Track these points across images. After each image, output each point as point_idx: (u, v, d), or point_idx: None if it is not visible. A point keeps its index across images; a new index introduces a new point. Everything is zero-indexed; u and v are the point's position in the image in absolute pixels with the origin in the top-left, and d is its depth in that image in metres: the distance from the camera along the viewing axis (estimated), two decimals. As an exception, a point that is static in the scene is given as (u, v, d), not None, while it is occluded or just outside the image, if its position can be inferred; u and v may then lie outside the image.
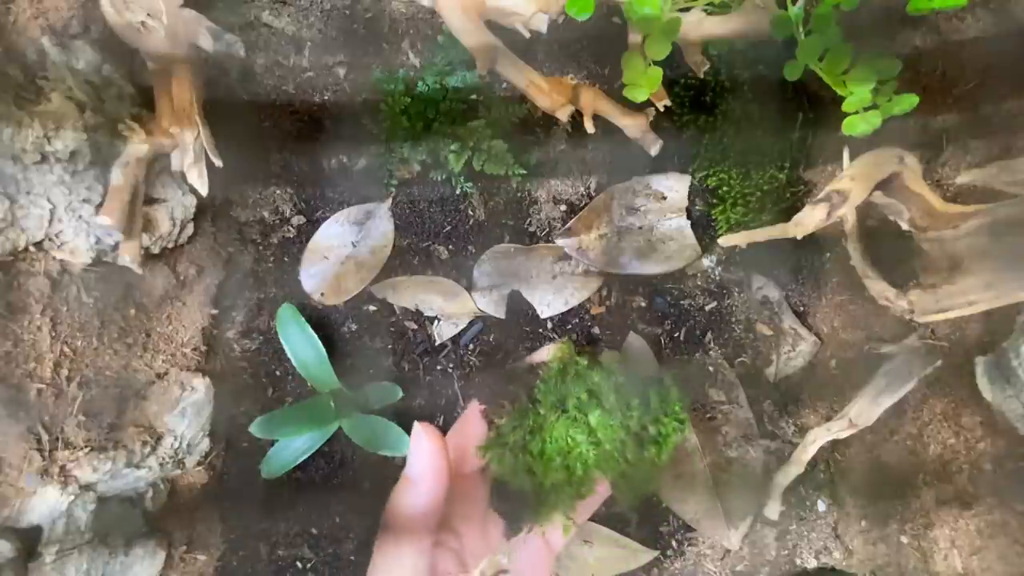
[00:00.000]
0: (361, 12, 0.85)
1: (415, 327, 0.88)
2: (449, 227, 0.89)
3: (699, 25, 0.63)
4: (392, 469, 0.85)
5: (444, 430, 0.87)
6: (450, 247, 0.89)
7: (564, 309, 0.88)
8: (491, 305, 0.88)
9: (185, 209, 0.78)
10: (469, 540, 0.57)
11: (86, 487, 0.71)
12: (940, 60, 0.75)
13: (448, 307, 0.88)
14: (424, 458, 0.54)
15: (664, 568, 0.85)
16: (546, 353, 0.61)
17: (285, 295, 0.88)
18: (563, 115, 0.68)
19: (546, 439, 0.57)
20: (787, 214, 0.75)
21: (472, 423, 0.60)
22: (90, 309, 0.74)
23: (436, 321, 0.88)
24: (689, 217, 0.87)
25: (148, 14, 0.67)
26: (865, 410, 0.74)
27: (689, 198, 0.87)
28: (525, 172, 0.84)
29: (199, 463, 0.81)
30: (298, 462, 0.83)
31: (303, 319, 0.84)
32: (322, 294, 0.87)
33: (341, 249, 0.88)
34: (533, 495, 0.57)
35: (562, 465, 0.56)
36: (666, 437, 0.58)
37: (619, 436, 0.56)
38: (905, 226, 0.68)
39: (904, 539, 0.80)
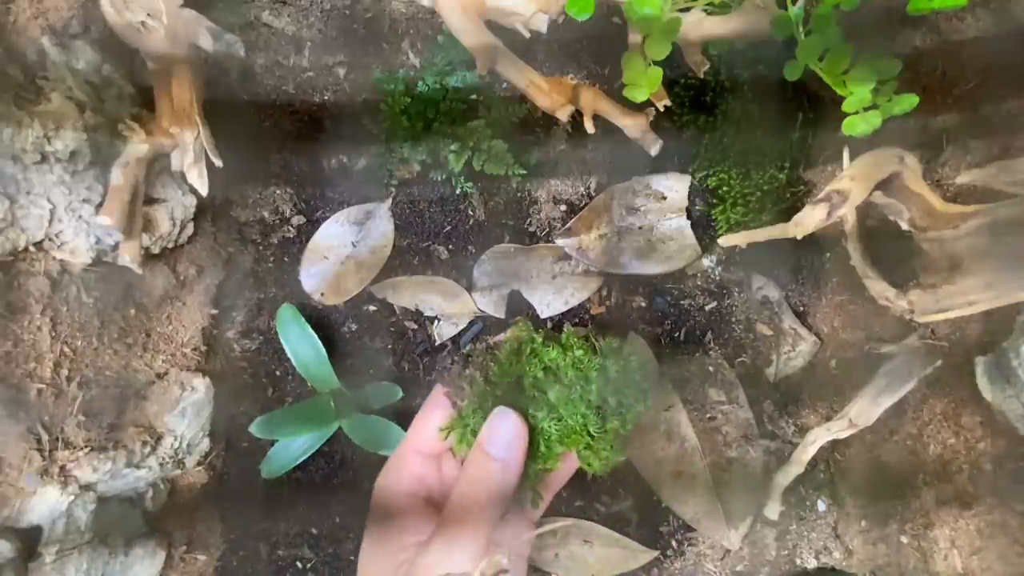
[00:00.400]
0: (361, 12, 0.85)
1: (415, 327, 0.88)
2: (449, 227, 0.89)
3: (699, 25, 0.63)
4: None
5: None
6: (450, 247, 0.89)
7: (564, 309, 0.88)
8: (491, 305, 0.88)
9: (185, 209, 0.78)
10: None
11: (86, 487, 0.71)
12: (940, 60, 0.75)
13: (448, 307, 0.88)
14: (509, 438, 0.55)
15: (664, 568, 0.85)
16: (504, 334, 0.62)
17: (285, 295, 0.88)
18: (563, 115, 0.68)
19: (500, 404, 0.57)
20: (787, 214, 0.75)
21: (437, 405, 0.60)
22: (90, 309, 0.74)
23: (436, 321, 0.88)
24: (689, 217, 0.87)
25: (148, 14, 0.67)
26: (865, 410, 0.74)
27: (689, 198, 0.87)
28: (525, 172, 0.84)
29: (199, 463, 0.81)
30: (298, 462, 0.83)
31: (303, 319, 0.84)
32: (322, 294, 0.87)
33: (341, 249, 0.88)
34: None
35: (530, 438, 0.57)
36: (628, 408, 0.58)
37: (580, 410, 0.56)
38: (905, 226, 0.68)
39: (904, 539, 0.80)
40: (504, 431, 0.55)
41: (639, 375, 0.59)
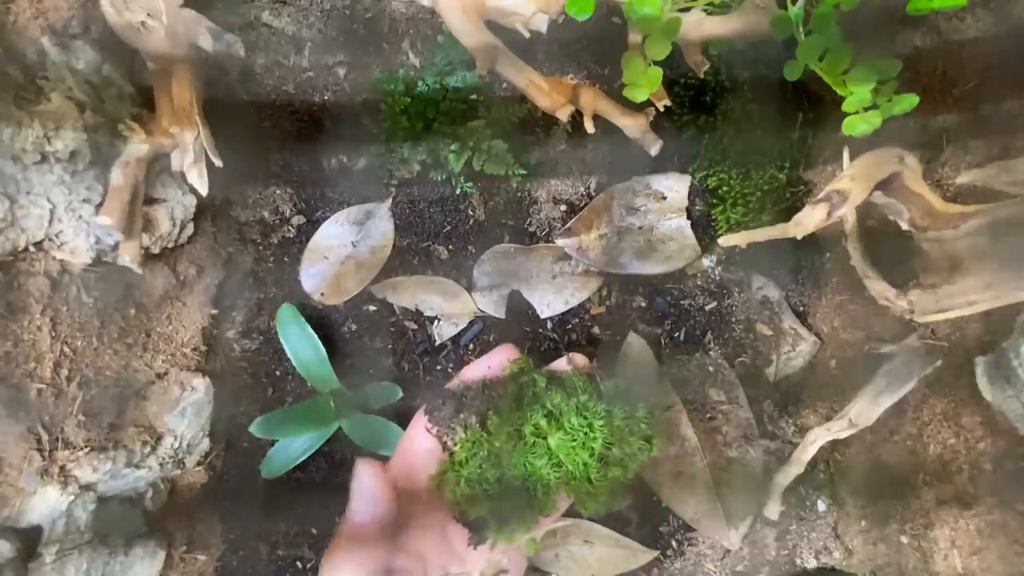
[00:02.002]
0: (361, 12, 0.85)
1: (415, 327, 0.88)
2: (449, 227, 0.89)
3: (699, 25, 0.63)
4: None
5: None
6: (450, 247, 0.89)
7: (564, 309, 0.88)
8: (491, 305, 0.88)
9: (185, 209, 0.78)
10: (431, 554, 0.56)
11: (86, 487, 0.71)
12: (940, 60, 0.75)
13: (448, 307, 0.88)
14: (366, 494, 0.55)
15: (664, 568, 0.85)
16: (498, 367, 0.59)
17: (285, 295, 0.88)
18: (563, 115, 0.68)
19: (504, 467, 0.54)
20: (787, 214, 0.75)
21: (419, 439, 0.58)
22: (90, 309, 0.74)
23: (436, 321, 0.88)
24: (689, 217, 0.87)
25: (148, 14, 0.67)
26: (865, 410, 0.74)
27: (689, 198, 0.87)
28: (525, 172, 0.84)
29: (199, 463, 0.81)
30: (298, 462, 0.83)
31: (303, 319, 0.84)
32: (322, 294, 0.87)
33: (341, 249, 0.88)
34: (493, 515, 0.55)
35: (522, 488, 0.55)
36: (632, 457, 0.56)
37: (582, 458, 0.54)
38: (905, 226, 0.68)
39: (904, 539, 0.80)
40: (360, 488, 0.56)
41: (645, 422, 0.57)
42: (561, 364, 0.60)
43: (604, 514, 0.62)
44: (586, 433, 0.54)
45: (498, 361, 0.60)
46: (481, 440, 0.55)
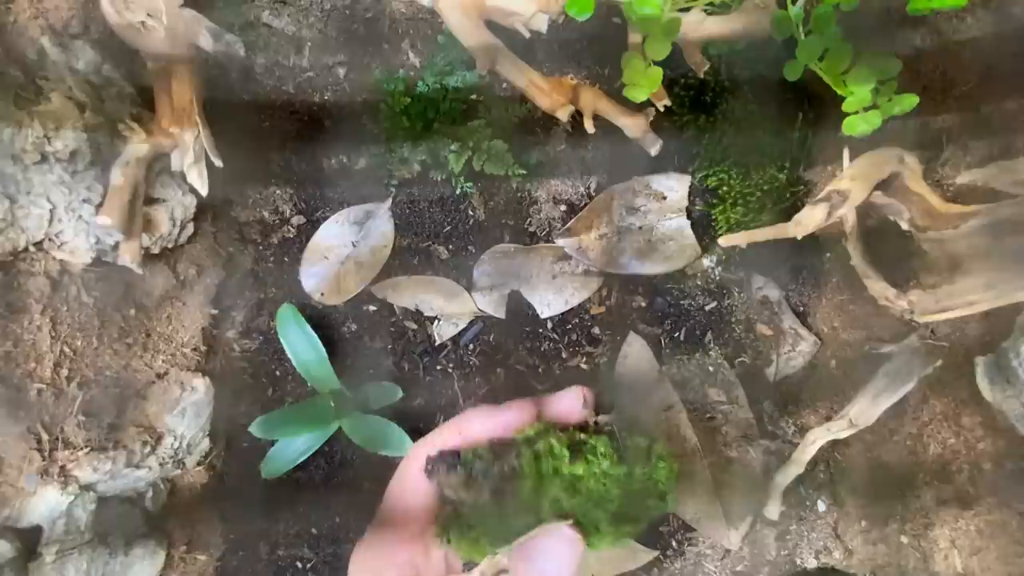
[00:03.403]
0: (361, 12, 0.85)
1: (415, 327, 0.88)
2: (449, 227, 0.89)
3: (699, 25, 0.63)
4: (392, 469, 0.84)
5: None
6: (450, 247, 0.89)
7: (564, 309, 0.88)
8: (491, 305, 0.88)
9: (185, 209, 0.77)
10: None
11: (86, 487, 0.71)
12: (940, 60, 0.75)
13: (448, 307, 0.88)
14: (413, 479, 0.51)
15: (664, 568, 0.85)
16: (512, 427, 0.54)
17: (285, 295, 0.88)
18: (563, 115, 0.68)
19: (503, 507, 0.52)
20: (787, 214, 0.75)
21: (416, 480, 0.54)
22: (90, 309, 0.74)
23: (436, 321, 0.88)
24: (689, 217, 0.87)
25: (148, 14, 0.67)
26: (865, 410, 0.74)
27: (689, 198, 0.87)
28: (525, 172, 0.84)
29: (199, 463, 0.81)
30: (298, 462, 0.83)
31: (303, 319, 0.84)
32: (322, 294, 0.87)
33: (341, 249, 0.88)
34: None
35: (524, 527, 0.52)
36: (645, 514, 0.54)
37: (596, 516, 0.53)
38: (905, 226, 0.68)
39: (904, 539, 0.80)
40: (559, 548, 0.50)
41: (665, 482, 0.54)
42: (566, 402, 0.57)
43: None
44: (603, 496, 0.53)
45: (514, 421, 0.54)
46: (489, 508, 0.52)
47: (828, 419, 0.81)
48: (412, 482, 0.54)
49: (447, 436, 0.55)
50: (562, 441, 0.53)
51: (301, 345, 0.83)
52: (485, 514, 0.52)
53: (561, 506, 0.52)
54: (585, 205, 0.88)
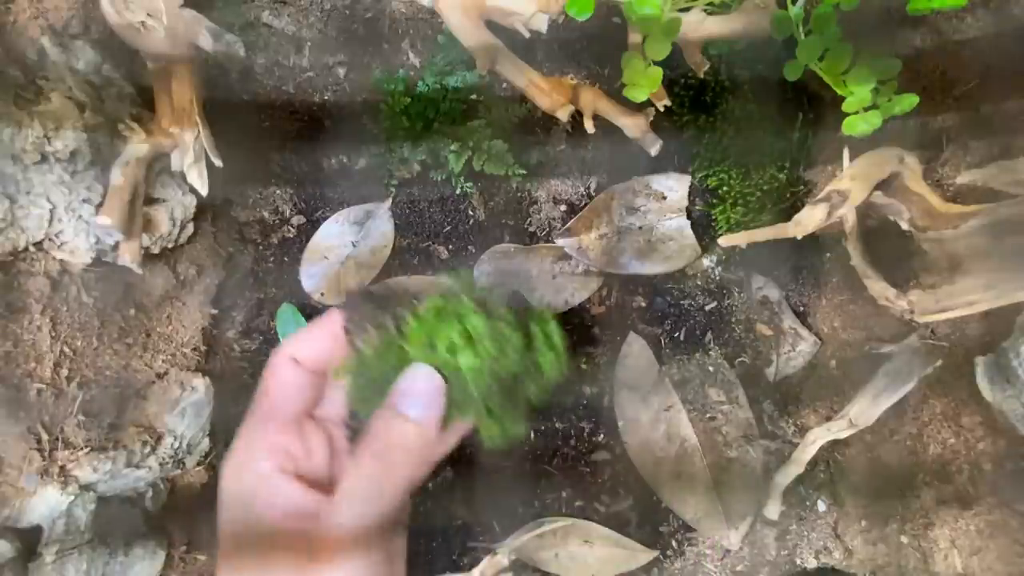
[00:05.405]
0: (361, 12, 0.85)
1: (415, 327, 0.88)
2: (449, 227, 0.89)
3: (699, 25, 0.63)
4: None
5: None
6: (450, 247, 0.89)
7: (564, 309, 0.88)
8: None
9: (185, 209, 0.77)
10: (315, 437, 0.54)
11: (86, 487, 0.71)
12: (940, 60, 0.75)
13: (448, 307, 0.88)
14: (428, 395, 0.51)
15: (664, 568, 0.85)
16: (431, 285, 0.57)
17: (285, 295, 0.88)
18: (563, 115, 0.68)
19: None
20: (787, 214, 0.75)
21: (286, 373, 0.55)
22: (90, 309, 0.74)
23: (436, 321, 0.88)
24: (689, 217, 0.87)
25: (148, 14, 0.67)
26: (865, 410, 0.74)
27: (689, 198, 0.87)
28: (525, 172, 0.84)
29: (199, 463, 0.81)
30: (298, 462, 0.83)
31: (303, 319, 0.84)
32: (322, 294, 0.87)
33: (341, 249, 0.88)
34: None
35: None
36: (539, 385, 0.56)
37: (487, 382, 0.53)
38: (905, 226, 0.68)
39: (904, 539, 0.80)
40: (422, 388, 0.50)
41: (548, 372, 0.57)
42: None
43: (506, 447, 0.60)
44: (497, 359, 0.54)
45: (431, 284, 0.57)
46: (393, 343, 0.54)
47: (828, 419, 0.81)
48: (283, 375, 0.55)
49: (315, 333, 0.56)
50: (472, 298, 0.55)
51: (301, 345, 0.83)
52: (386, 354, 0.53)
53: (454, 350, 0.53)
54: (585, 205, 0.88)
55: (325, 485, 0.51)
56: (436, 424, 0.51)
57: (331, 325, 0.57)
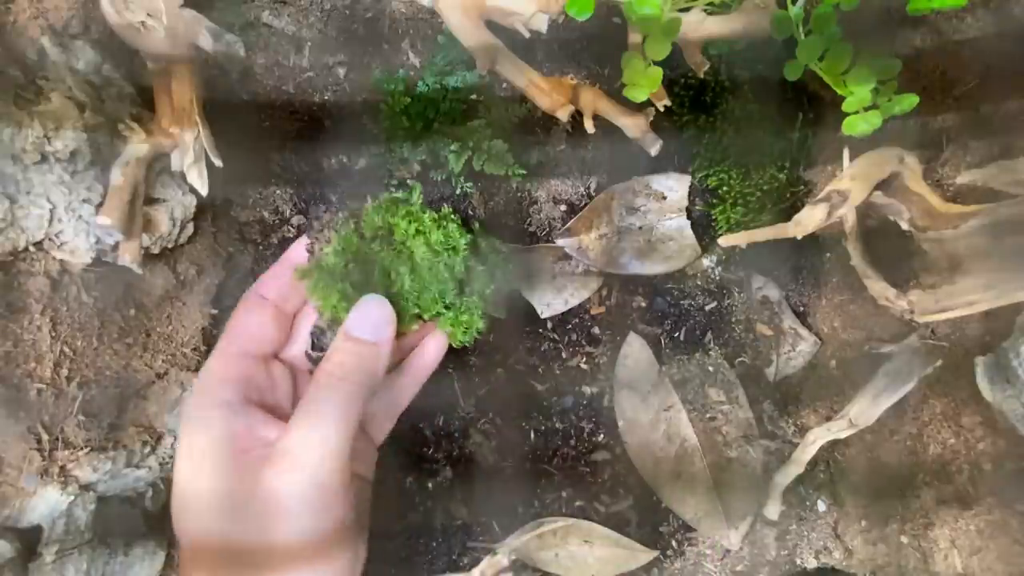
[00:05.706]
0: (361, 12, 0.85)
1: (415, 327, 0.88)
2: (449, 227, 0.89)
3: (699, 25, 0.63)
4: (391, 469, 0.85)
5: (443, 430, 0.87)
6: (450, 247, 0.89)
7: (564, 309, 0.88)
8: (490, 305, 0.88)
9: (185, 209, 0.77)
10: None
11: (86, 487, 0.71)
12: (940, 60, 0.75)
13: (448, 307, 0.88)
14: (378, 321, 0.55)
15: (664, 568, 0.85)
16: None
17: (285, 295, 0.87)
18: (563, 115, 0.68)
19: (368, 269, 0.56)
20: (787, 214, 0.75)
21: (254, 310, 0.60)
22: (90, 309, 0.74)
23: (436, 321, 0.88)
24: (689, 217, 0.87)
25: (148, 14, 0.67)
26: (865, 410, 0.74)
27: (689, 198, 0.87)
28: (525, 172, 0.84)
29: (199, 463, 0.81)
30: (298, 462, 0.83)
31: (303, 319, 0.84)
32: (322, 294, 0.87)
33: (341, 249, 0.88)
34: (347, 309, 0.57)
35: (385, 296, 0.57)
36: (489, 274, 0.61)
37: (442, 275, 0.58)
38: (905, 226, 0.68)
39: (904, 539, 0.80)
40: (373, 314, 0.54)
41: (502, 258, 0.62)
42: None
43: (473, 343, 0.65)
44: (448, 252, 0.58)
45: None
46: (351, 240, 0.57)
47: (828, 419, 0.81)
48: (251, 312, 0.60)
49: (280, 269, 0.61)
50: (424, 209, 0.60)
51: (301, 345, 0.83)
52: (345, 253, 0.57)
53: (409, 246, 0.58)
54: (585, 205, 0.88)
55: (287, 417, 0.53)
56: (387, 343, 0.54)
57: (297, 257, 0.60)
